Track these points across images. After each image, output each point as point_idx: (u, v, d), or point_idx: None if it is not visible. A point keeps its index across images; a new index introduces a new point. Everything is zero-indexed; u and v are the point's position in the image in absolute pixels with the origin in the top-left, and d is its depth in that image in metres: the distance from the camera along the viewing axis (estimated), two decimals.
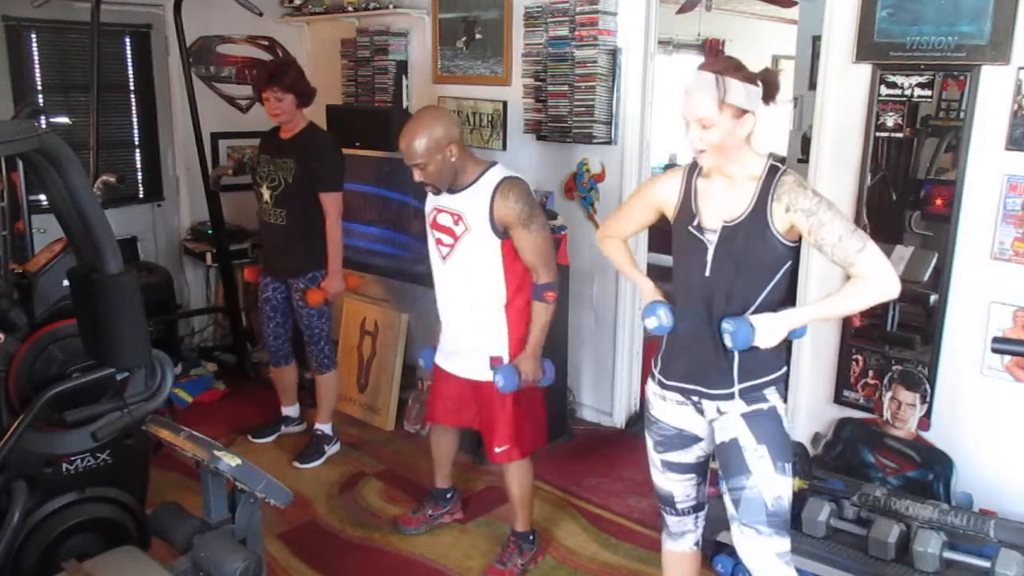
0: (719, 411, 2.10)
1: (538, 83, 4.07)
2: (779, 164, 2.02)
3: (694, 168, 2.12)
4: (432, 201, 2.81)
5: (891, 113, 3.00)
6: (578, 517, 3.36)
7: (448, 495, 3.30)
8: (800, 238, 2.02)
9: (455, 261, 2.76)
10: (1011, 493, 2.86)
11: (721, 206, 2.03)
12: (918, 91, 2.93)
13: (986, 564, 2.40)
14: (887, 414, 3.12)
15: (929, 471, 2.95)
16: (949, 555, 2.47)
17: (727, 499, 2.12)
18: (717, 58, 1.97)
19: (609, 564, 3.04)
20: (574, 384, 4.24)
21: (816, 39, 4.15)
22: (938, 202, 3.03)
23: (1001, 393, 2.88)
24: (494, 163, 2.76)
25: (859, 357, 3.19)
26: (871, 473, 3.04)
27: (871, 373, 3.18)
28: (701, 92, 1.94)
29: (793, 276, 2.20)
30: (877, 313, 3.11)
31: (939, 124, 3.07)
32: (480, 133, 4.43)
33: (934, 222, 3.05)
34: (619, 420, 4.20)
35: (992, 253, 2.83)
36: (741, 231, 1.99)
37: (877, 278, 1.93)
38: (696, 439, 2.18)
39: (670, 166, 8.02)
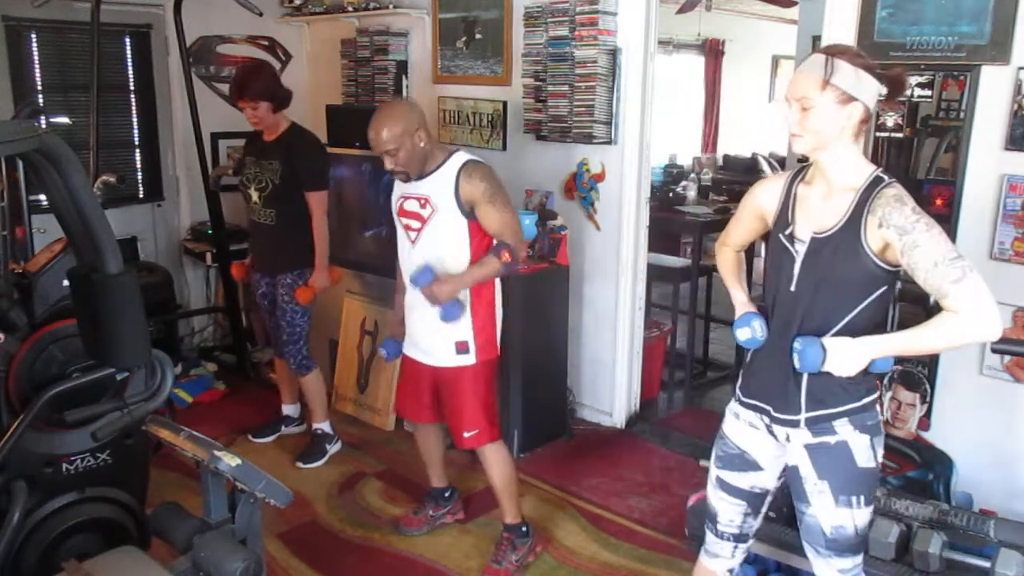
0: (788, 438, 1.99)
1: (538, 83, 4.07)
2: (885, 176, 1.84)
3: (797, 174, 1.98)
4: (398, 190, 2.87)
5: (891, 113, 3.00)
6: (578, 517, 3.36)
7: (447, 494, 3.30)
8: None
9: (423, 244, 2.80)
10: (1011, 493, 2.86)
11: (816, 216, 1.89)
12: (918, 91, 2.93)
13: (986, 564, 2.39)
14: (887, 414, 3.12)
15: (929, 471, 2.95)
16: (949, 555, 2.46)
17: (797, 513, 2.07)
18: (838, 44, 1.86)
19: (609, 564, 3.04)
20: (574, 384, 4.24)
21: (816, 39, 4.14)
22: (938, 202, 3.03)
23: (1001, 393, 2.88)
24: (457, 149, 2.84)
25: None
26: None
27: None
28: (808, 71, 1.80)
29: None
30: None
31: (939, 124, 3.08)
32: (480, 133, 4.43)
33: None
34: (619, 420, 4.20)
35: (992, 253, 2.83)
36: (830, 245, 1.84)
37: (972, 316, 1.71)
38: (756, 467, 2.06)
39: (670, 166, 8.03)
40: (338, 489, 3.58)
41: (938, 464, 2.95)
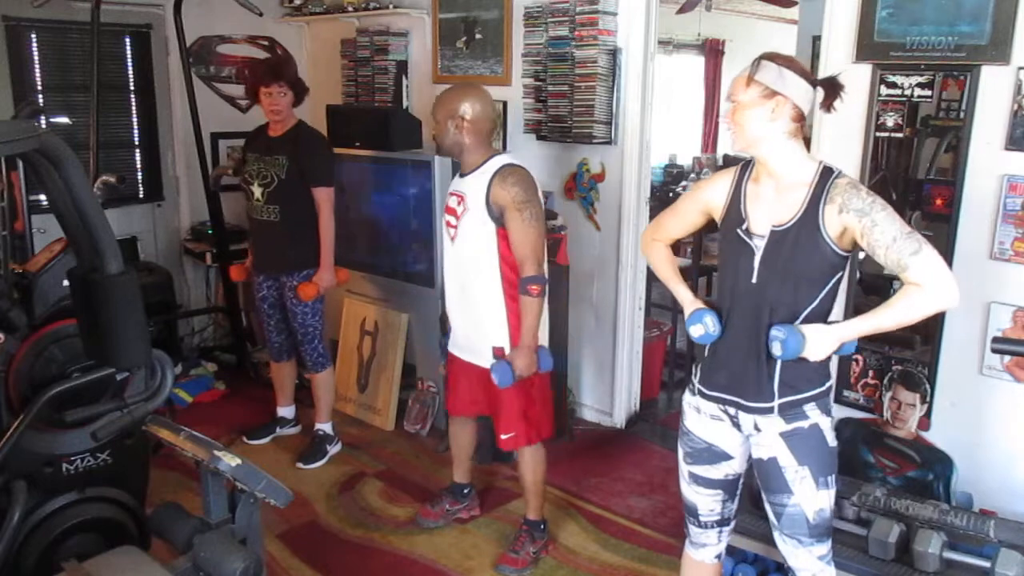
0: (756, 427, 2.03)
1: (538, 83, 4.07)
2: (833, 167, 1.95)
3: (744, 170, 2.06)
4: (449, 187, 2.96)
5: (891, 113, 3.00)
6: (578, 517, 3.36)
7: (466, 491, 3.32)
8: (853, 246, 1.92)
9: (459, 242, 2.85)
10: (1011, 493, 2.86)
11: (770, 210, 1.96)
12: (918, 91, 2.93)
13: (986, 564, 2.39)
14: (887, 414, 3.12)
15: (929, 471, 2.95)
16: (949, 555, 2.46)
17: (768, 510, 2.09)
18: (772, 52, 2.00)
19: (609, 564, 3.05)
20: (574, 384, 4.24)
21: (816, 39, 4.15)
22: (938, 202, 3.02)
23: (1001, 393, 2.88)
24: (501, 152, 2.88)
25: (859, 357, 3.19)
26: (871, 473, 3.04)
27: (871, 373, 3.17)
28: (739, 73, 1.94)
29: None
30: None
31: (939, 124, 3.07)
32: None
33: (934, 222, 3.05)
34: (619, 420, 4.20)
35: (992, 253, 2.83)
36: (790, 236, 1.92)
37: (933, 285, 1.80)
38: (726, 456, 2.12)
39: (670, 166, 8.03)
40: (338, 489, 3.58)
41: (938, 464, 2.95)
